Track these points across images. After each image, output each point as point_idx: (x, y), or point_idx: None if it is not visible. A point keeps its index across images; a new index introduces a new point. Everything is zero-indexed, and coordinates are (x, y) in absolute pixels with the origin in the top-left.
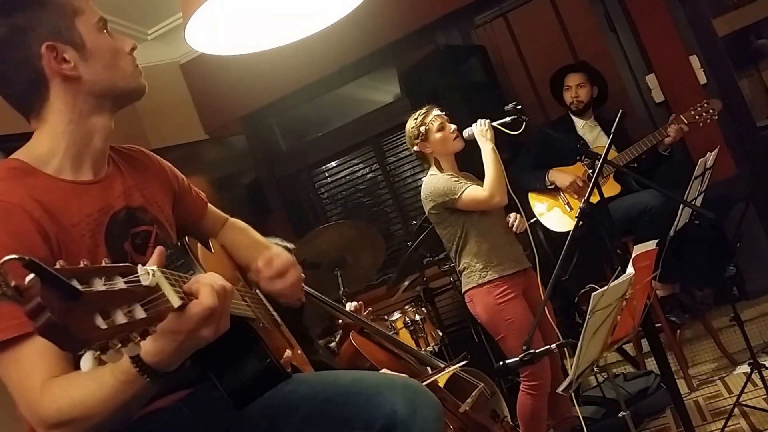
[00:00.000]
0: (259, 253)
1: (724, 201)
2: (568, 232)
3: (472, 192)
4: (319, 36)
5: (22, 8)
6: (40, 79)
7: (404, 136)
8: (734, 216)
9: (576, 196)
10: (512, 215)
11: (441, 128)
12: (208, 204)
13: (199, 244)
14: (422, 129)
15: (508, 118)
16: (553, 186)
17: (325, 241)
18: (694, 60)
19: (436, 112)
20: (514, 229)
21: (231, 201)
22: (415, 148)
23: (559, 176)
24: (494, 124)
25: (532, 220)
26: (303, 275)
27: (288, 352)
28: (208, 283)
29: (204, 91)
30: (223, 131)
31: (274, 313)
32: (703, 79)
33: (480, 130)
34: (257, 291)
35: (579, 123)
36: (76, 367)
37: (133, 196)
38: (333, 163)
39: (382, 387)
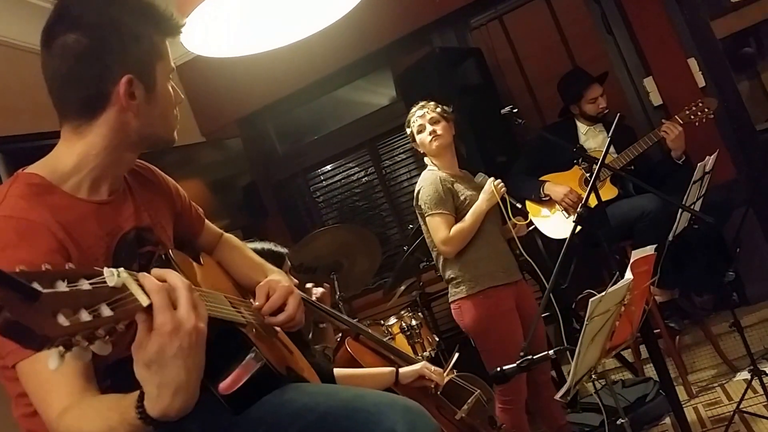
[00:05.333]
0: (256, 274)
1: (723, 205)
2: (566, 239)
3: (438, 224)
4: (314, 38)
5: (119, 33)
6: (102, 100)
7: (399, 139)
8: (734, 221)
9: (572, 209)
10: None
11: (420, 130)
12: (206, 220)
13: (191, 260)
14: (408, 130)
15: (519, 204)
16: (548, 198)
17: (321, 245)
18: (693, 63)
19: (418, 112)
20: (515, 233)
21: (227, 204)
22: (413, 145)
23: (554, 190)
24: (509, 197)
25: (530, 228)
26: (296, 280)
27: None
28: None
29: (200, 94)
30: (220, 134)
31: None
32: (701, 81)
33: (490, 188)
34: (252, 301)
35: (582, 128)
36: (99, 383)
37: (142, 216)
38: (328, 167)
39: (383, 406)
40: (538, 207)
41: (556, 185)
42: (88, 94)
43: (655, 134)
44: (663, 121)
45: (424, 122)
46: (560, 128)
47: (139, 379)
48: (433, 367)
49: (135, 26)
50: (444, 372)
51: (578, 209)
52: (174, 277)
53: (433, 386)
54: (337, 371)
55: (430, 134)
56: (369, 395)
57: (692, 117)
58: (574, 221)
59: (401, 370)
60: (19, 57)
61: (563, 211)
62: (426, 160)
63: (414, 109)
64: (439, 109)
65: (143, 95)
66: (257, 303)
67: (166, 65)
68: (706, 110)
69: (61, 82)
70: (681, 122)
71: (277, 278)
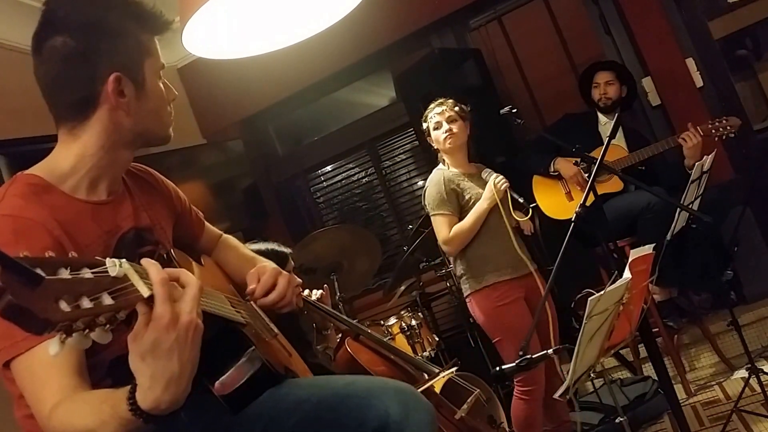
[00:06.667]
0: (247, 269)
1: (721, 205)
2: (563, 220)
3: (440, 224)
4: (314, 40)
5: (104, 33)
6: (92, 100)
7: (399, 139)
8: (731, 220)
9: (578, 188)
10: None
11: (437, 127)
12: (206, 223)
13: (191, 261)
14: (424, 125)
15: (521, 199)
16: (557, 173)
17: (321, 245)
18: (690, 63)
19: (436, 109)
20: (526, 230)
21: (228, 206)
22: (428, 140)
23: (565, 166)
24: (512, 193)
25: (531, 205)
26: (299, 279)
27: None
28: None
29: (201, 96)
30: (221, 136)
31: (270, 324)
32: (699, 82)
33: (493, 184)
34: (252, 303)
35: (602, 119)
36: (91, 379)
37: (141, 216)
38: (329, 168)
39: (375, 390)
40: (544, 182)
41: (568, 162)
42: (79, 95)
43: (673, 140)
44: (690, 125)
45: (442, 120)
46: (582, 117)
47: (132, 369)
48: None
49: (120, 25)
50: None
51: (576, 209)
52: (186, 274)
53: None
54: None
55: (445, 132)
56: (360, 381)
57: (713, 131)
58: (572, 220)
59: None
60: (21, 60)
61: (567, 193)
62: (439, 156)
63: (432, 106)
64: (457, 108)
65: (133, 93)
66: (249, 287)
67: (155, 62)
68: (729, 128)
69: (52, 85)
70: (701, 133)
71: (265, 263)
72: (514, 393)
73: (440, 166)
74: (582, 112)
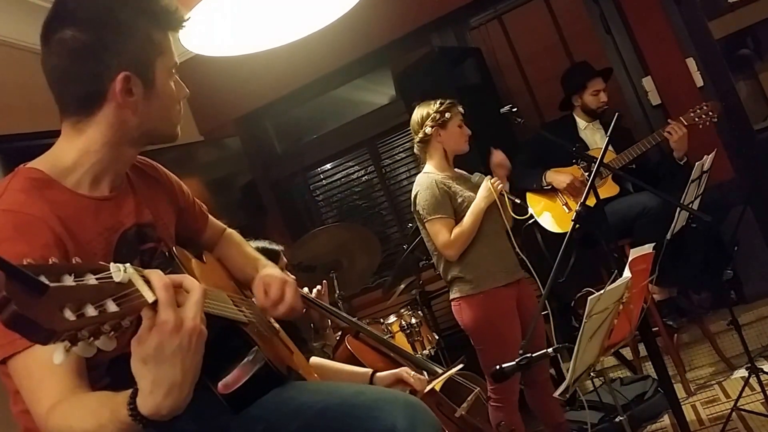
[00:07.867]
0: (249, 269)
1: (721, 204)
2: (566, 233)
3: (438, 229)
4: (314, 37)
5: (116, 30)
6: (99, 95)
7: (399, 137)
8: (731, 219)
9: (574, 197)
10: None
11: (461, 125)
12: (209, 217)
13: (192, 258)
14: (446, 115)
15: (518, 200)
16: (550, 186)
17: (320, 243)
18: (691, 62)
19: (460, 108)
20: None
21: (226, 203)
22: (427, 130)
23: (557, 177)
24: (508, 194)
25: (530, 222)
26: (293, 277)
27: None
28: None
29: (199, 93)
30: (218, 133)
31: (272, 320)
32: (699, 81)
33: (488, 185)
34: (254, 299)
35: (581, 124)
36: (90, 378)
37: (143, 212)
38: (328, 165)
39: (383, 401)
40: (540, 198)
41: (558, 173)
42: (85, 91)
43: (659, 134)
44: (669, 120)
45: (463, 121)
46: (560, 125)
47: (134, 373)
48: (413, 373)
49: (132, 21)
50: (433, 380)
51: (577, 208)
52: (189, 279)
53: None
54: (313, 359)
55: (467, 134)
56: (369, 391)
57: (696, 119)
58: (573, 219)
59: (378, 374)
60: (17, 56)
61: (565, 205)
62: (429, 154)
63: (455, 102)
64: None
65: (141, 92)
66: (257, 301)
67: (167, 60)
68: (711, 113)
69: (59, 78)
70: (685, 124)
71: (270, 272)
72: (489, 403)
73: (427, 169)
74: (558, 118)
